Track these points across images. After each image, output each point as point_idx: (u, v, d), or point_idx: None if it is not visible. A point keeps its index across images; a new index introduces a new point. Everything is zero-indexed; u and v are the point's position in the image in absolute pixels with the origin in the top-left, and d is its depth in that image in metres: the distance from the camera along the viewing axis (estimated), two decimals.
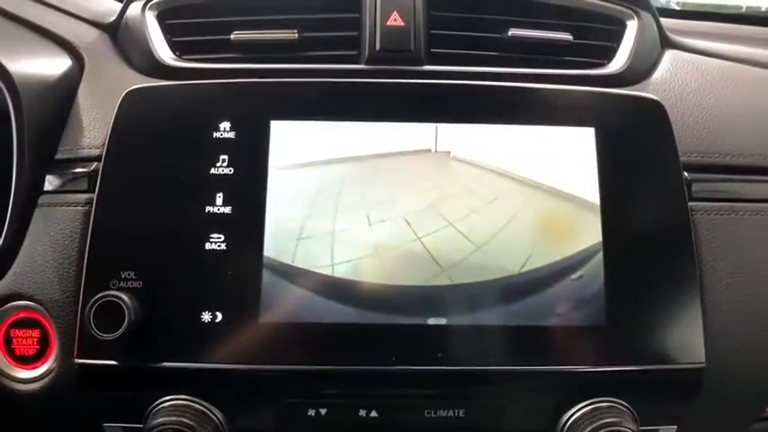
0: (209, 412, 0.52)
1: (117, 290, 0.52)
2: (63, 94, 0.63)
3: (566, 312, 0.53)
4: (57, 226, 0.57)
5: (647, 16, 0.68)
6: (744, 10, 1.04)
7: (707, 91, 0.66)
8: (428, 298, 0.53)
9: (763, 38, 0.98)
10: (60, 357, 0.56)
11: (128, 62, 0.65)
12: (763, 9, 1.05)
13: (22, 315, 0.58)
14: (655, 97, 0.60)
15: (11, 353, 0.58)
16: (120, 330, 0.50)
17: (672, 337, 0.54)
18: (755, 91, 0.69)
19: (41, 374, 0.57)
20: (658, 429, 0.56)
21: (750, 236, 0.60)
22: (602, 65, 0.65)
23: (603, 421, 0.51)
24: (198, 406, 0.52)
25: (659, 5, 1.10)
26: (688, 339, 0.54)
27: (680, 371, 0.53)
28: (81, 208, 0.57)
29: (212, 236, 0.54)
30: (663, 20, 0.99)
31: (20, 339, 0.58)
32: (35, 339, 0.58)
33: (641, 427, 0.52)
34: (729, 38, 0.92)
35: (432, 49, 0.63)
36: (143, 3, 0.66)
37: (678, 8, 1.15)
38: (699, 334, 0.54)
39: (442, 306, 0.53)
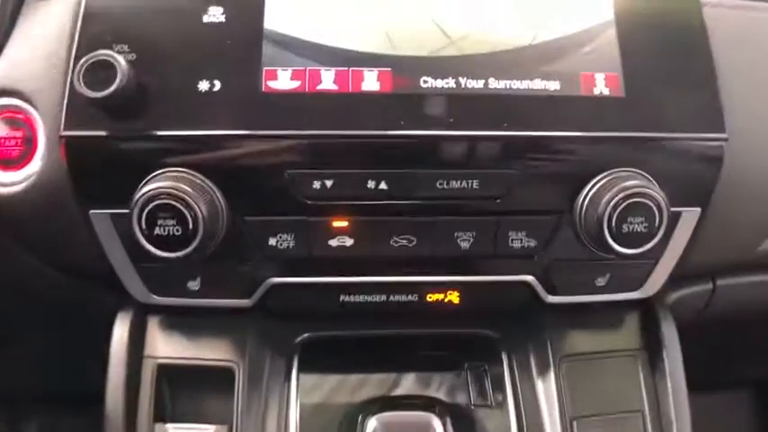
0: (205, 185, 0.49)
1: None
2: None
3: (580, 83, 0.51)
4: (45, 21, 0.55)
5: None
6: None
7: None
8: (438, 67, 0.50)
9: None
10: (46, 156, 0.53)
11: None
12: None
13: (6, 115, 0.54)
14: None
15: None
16: (112, 87, 0.46)
17: (691, 109, 0.52)
18: None
19: (26, 176, 0.53)
20: (682, 212, 0.53)
21: (760, 34, 0.58)
22: None
23: (624, 184, 0.48)
24: (194, 178, 0.49)
25: None
26: (708, 112, 0.52)
27: (701, 140, 0.51)
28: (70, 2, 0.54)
29: (210, 8, 0.51)
30: None
31: (3, 141, 0.54)
32: (20, 140, 0.55)
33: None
34: None
35: None
36: None
37: None
38: (718, 107, 0.52)
39: (452, 74, 0.50)
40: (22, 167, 0.54)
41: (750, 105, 0.55)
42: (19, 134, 0.55)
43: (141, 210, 0.47)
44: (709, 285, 0.64)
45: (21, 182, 0.54)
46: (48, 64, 0.53)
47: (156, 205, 0.47)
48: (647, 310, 0.62)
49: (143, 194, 0.47)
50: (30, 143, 0.54)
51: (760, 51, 0.58)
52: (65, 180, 0.52)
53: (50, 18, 0.55)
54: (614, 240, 0.49)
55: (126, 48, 0.50)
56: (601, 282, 0.56)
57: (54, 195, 0.53)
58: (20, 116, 0.54)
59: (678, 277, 0.59)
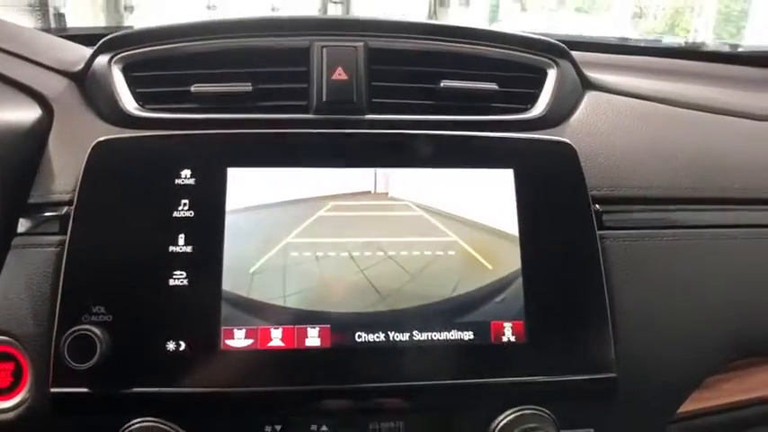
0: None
1: (89, 324, 0.57)
2: (34, 141, 0.67)
3: (491, 331, 0.61)
4: (30, 266, 0.62)
5: (565, 64, 0.76)
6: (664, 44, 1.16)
7: (618, 130, 0.75)
8: (370, 322, 0.60)
9: (681, 70, 1.09)
10: (34, 388, 0.61)
11: (95, 111, 0.70)
12: (683, 44, 1.17)
13: None
14: (564, 139, 0.68)
15: None
16: (93, 361, 0.55)
17: (585, 352, 0.62)
18: (662, 128, 0.78)
19: (16, 404, 0.61)
20: None
21: (656, 259, 0.68)
22: (525, 110, 0.74)
23: (527, 426, 0.59)
24: (165, 427, 0.58)
25: (591, 40, 1.22)
26: (600, 353, 0.62)
27: (593, 381, 0.61)
28: (53, 249, 0.62)
29: (175, 273, 0.60)
30: (594, 55, 1.09)
31: None
32: (9, 372, 0.62)
33: (562, 431, 0.60)
34: (652, 71, 1.03)
35: (373, 100, 0.70)
36: (109, 56, 0.71)
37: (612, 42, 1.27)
38: (609, 348, 0.62)
39: (382, 329, 0.60)
40: (13, 396, 0.62)
41: (641, 341, 0.65)
42: (9, 366, 0.63)
43: None
44: None
45: (12, 409, 0.61)
46: (33, 310, 0.61)
47: None
48: None
49: None
50: (19, 374, 0.62)
51: (652, 272, 0.68)
52: (52, 414, 0.60)
53: (34, 267, 0.62)
54: None
55: (103, 309, 0.59)
56: None
57: (43, 424, 0.60)
58: (9, 351, 0.62)
59: None
